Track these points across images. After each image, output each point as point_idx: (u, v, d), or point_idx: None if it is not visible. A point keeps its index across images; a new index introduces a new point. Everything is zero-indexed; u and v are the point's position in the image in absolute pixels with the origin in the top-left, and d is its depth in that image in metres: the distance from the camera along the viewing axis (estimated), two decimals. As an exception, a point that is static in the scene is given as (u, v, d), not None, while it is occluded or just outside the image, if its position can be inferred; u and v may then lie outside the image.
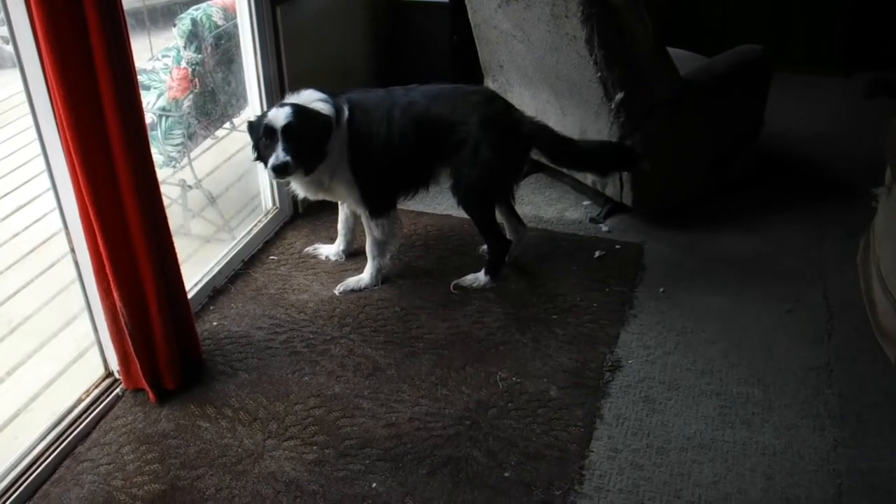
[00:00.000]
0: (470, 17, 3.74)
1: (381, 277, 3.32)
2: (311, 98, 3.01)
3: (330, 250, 3.51)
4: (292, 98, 3.02)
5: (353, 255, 3.51)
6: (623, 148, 3.29)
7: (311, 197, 3.22)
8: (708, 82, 3.61)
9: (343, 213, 3.43)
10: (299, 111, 2.90)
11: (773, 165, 4.23)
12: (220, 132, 4.18)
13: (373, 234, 3.22)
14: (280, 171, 2.87)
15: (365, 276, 3.31)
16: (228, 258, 3.45)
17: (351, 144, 3.04)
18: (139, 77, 3.93)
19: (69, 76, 2.16)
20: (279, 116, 2.86)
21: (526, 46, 3.45)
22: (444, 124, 3.05)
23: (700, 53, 3.98)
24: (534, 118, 3.18)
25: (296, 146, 2.85)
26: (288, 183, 3.18)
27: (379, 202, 3.18)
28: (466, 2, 3.69)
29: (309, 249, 3.53)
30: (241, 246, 3.55)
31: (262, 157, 2.98)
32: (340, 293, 3.27)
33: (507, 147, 3.10)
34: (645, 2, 3.20)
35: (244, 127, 3.84)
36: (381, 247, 3.25)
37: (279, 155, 2.84)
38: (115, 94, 2.25)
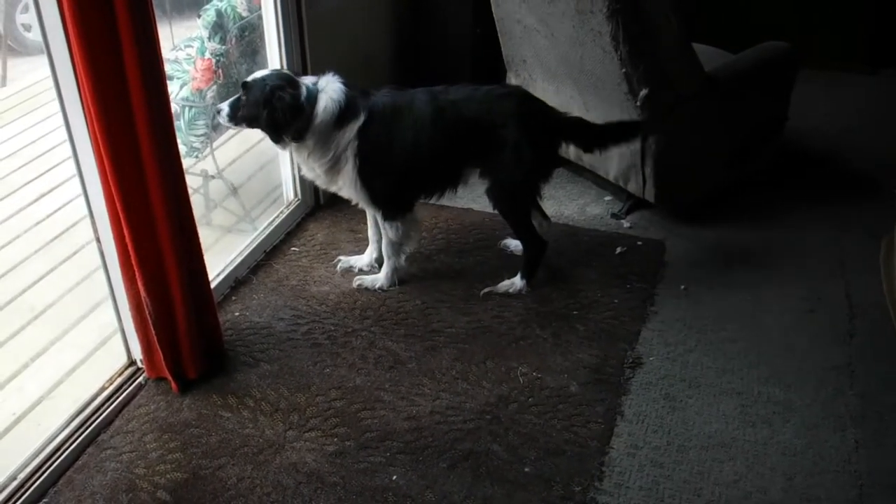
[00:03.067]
0: (493, 10, 3.73)
1: (398, 278, 3.28)
2: (329, 86, 2.97)
3: (362, 261, 3.41)
4: (312, 78, 3.03)
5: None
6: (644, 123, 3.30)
7: (323, 186, 3.21)
8: (732, 79, 3.59)
9: (371, 218, 3.34)
10: (272, 80, 2.94)
11: (797, 162, 4.20)
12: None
13: (387, 235, 3.18)
14: (216, 114, 3.09)
15: (381, 276, 3.28)
16: (251, 249, 3.47)
17: (362, 153, 2.98)
18: (163, 67, 4.04)
19: (97, 64, 2.17)
20: (254, 76, 2.98)
21: (550, 41, 3.44)
22: (481, 127, 3.00)
23: (725, 49, 3.95)
24: (567, 113, 3.17)
25: (244, 106, 2.96)
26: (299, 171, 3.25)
27: (393, 205, 3.14)
28: (490, -5, 3.68)
29: (341, 265, 3.40)
30: (263, 237, 3.57)
31: None
32: (356, 287, 3.27)
33: (547, 147, 3.11)
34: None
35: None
36: (395, 247, 3.21)
37: (223, 106, 3.02)
38: (143, 82, 2.26)
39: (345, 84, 3.00)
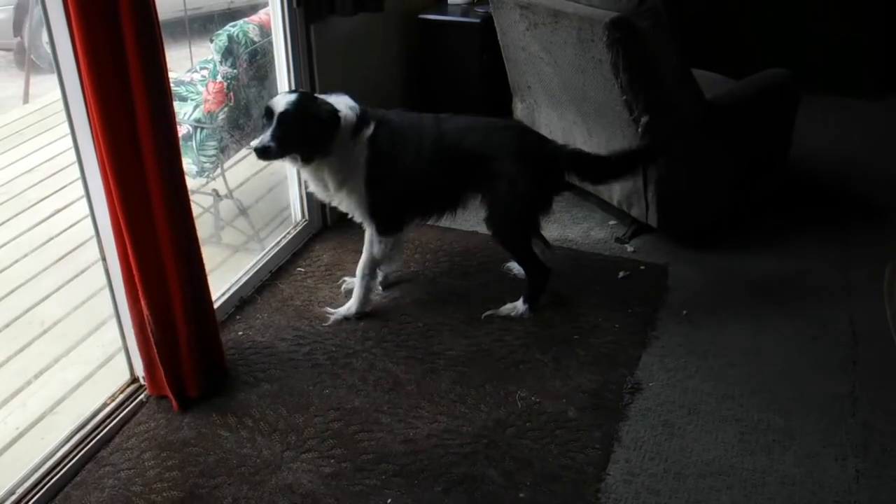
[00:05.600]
0: (499, 38, 3.78)
1: (370, 304, 3.25)
2: (340, 102, 3.00)
3: None
4: (323, 95, 3.03)
5: (389, 286, 3.46)
6: (645, 149, 3.30)
7: (325, 199, 3.22)
8: (734, 106, 3.61)
9: None
10: (304, 100, 2.91)
11: (801, 188, 4.20)
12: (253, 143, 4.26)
13: (371, 251, 3.18)
14: (260, 153, 2.88)
15: (352, 302, 3.24)
16: (256, 269, 3.51)
17: (371, 162, 3.01)
18: (177, 88, 4.11)
19: (104, 87, 2.23)
20: (281, 101, 2.89)
21: (553, 68, 3.48)
22: (478, 158, 3.03)
23: (727, 75, 3.97)
24: (566, 145, 3.20)
25: (286, 133, 2.85)
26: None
27: (389, 221, 3.16)
28: (496, 23, 3.73)
29: (346, 286, 3.39)
30: (269, 257, 3.60)
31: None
32: (330, 323, 3.20)
33: (544, 179, 3.12)
34: (671, 25, 3.22)
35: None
36: (374, 266, 3.20)
37: (264, 138, 2.86)
38: (149, 106, 2.31)
39: (354, 100, 3.05)
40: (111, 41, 2.20)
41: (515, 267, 3.49)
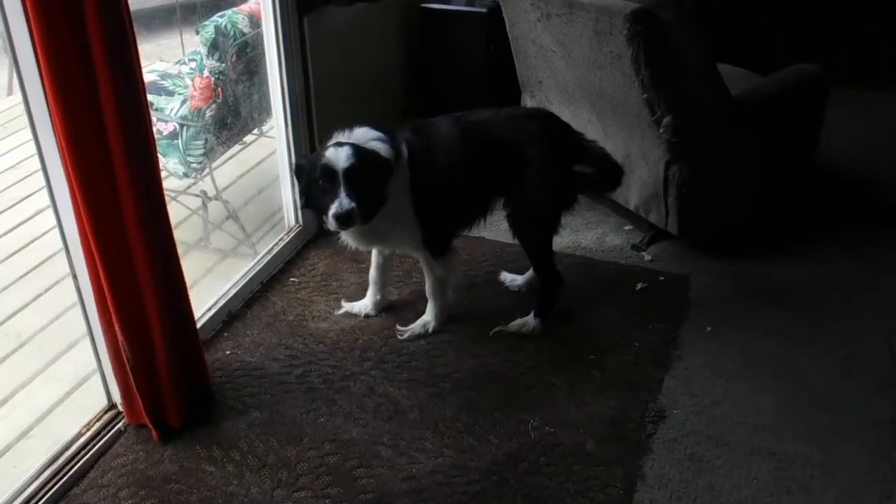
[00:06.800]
0: (508, 30, 3.53)
1: (447, 316, 3.03)
2: (365, 137, 2.68)
3: (365, 306, 3.12)
4: (344, 136, 2.70)
5: (391, 307, 3.18)
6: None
7: (364, 248, 2.93)
8: (761, 103, 3.37)
9: (377, 260, 3.09)
10: (360, 152, 2.57)
11: (829, 190, 3.95)
12: (246, 138, 4.02)
13: (434, 275, 2.94)
14: (345, 220, 2.52)
15: (429, 317, 3.01)
16: (246, 280, 3.26)
17: (413, 185, 2.74)
18: (162, 82, 3.85)
19: (66, 84, 1.99)
20: (340, 156, 2.53)
21: (566, 63, 3.22)
22: (506, 148, 2.81)
23: (754, 70, 3.72)
24: (594, 141, 2.99)
25: (359, 191, 2.52)
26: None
27: (442, 242, 2.91)
28: (504, 14, 3.48)
29: (343, 310, 3.13)
30: (260, 266, 3.36)
31: (315, 203, 2.65)
32: (405, 339, 2.98)
33: (573, 171, 2.92)
34: (696, 16, 2.96)
35: (272, 133, 3.68)
36: (443, 285, 2.97)
37: (343, 202, 2.49)
38: (118, 105, 2.07)
39: (376, 128, 2.73)
40: (75, 41, 1.95)
41: (509, 277, 3.28)
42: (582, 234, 3.66)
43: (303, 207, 2.76)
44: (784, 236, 3.59)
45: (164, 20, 5.36)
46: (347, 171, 2.52)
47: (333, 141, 2.67)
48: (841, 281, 3.29)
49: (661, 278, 3.32)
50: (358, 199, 2.53)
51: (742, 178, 3.39)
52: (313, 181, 2.60)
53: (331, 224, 2.59)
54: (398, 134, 2.77)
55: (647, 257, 3.47)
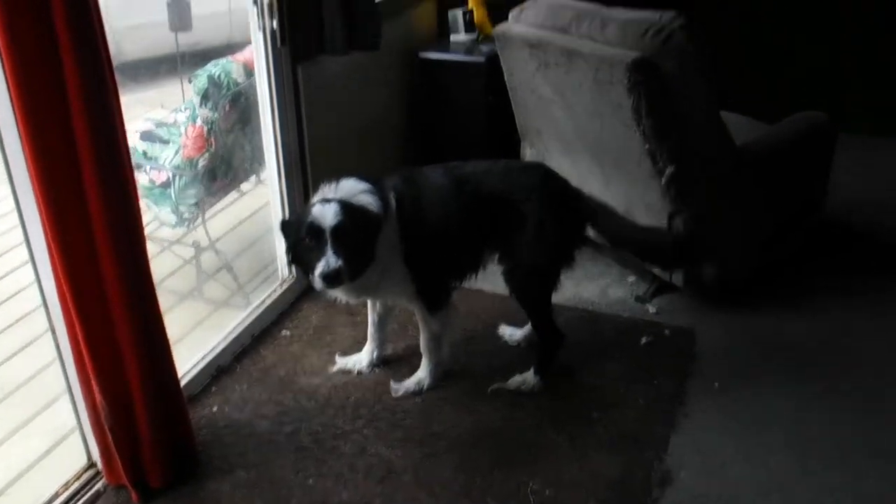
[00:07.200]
0: (506, 79, 3.48)
1: (442, 372, 2.92)
2: (353, 190, 2.59)
3: (361, 361, 3.02)
4: (330, 190, 2.60)
5: (386, 361, 3.07)
6: (685, 245, 3.03)
7: (354, 301, 2.83)
8: (767, 153, 3.30)
9: (375, 313, 2.99)
10: (348, 208, 2.48)
11: (838, 238, 3.86)
12: (245, 186, 3.96)
13: (429, 329, 2.84)
14: (332, 280, 2.42)
15: (423, 374, 2.90)
16: (237, 333, 3.16)
17: (403, 236, 2.65)
18: (158, 130, 3.81)
19: (44, 147, 1.91)
20: (327, 214, 2.44)
21: (566, 113, 3.17)
22: (501, 202, 2.72)
23: (759, 118, 3.67)
24: (592, 196, 2.90)
25: (347, 249, 2.43)
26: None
27: (437, 294, 2.80)
28: (502, 63, 3.43)
29: (338, 366, 3.02)
30: (251, 319, 3.25)
31: (302, 261, 2.55)
32: (399, 397, 2.86)
33: (572, 227, 2.83)
34: (699, 65, 2.91)
35: (267, 181, 3.60)
36: (437, 341, 2.86)
37: (330, 260, 2.40)
38: (98, 167, 1.99)
39: (363, 179, 2.65)
40: (52, 94, 1.88)
41: (508, 331, 3.18)
42: (584, 285, 3.56)
43: (289, 264, 2.64)
44: (792, 287, 3.49)
45: (169, 67, 5.38)
46: (335, 229, 2.43)
47: (320, 195, 2.59)
48: (852, 333, 3.18)
49: (666, 332, 3.20)
50: (346, 256, 2.43)
51: (747, 230, 3.30)
52: (300, 239, 2.50)
53: (317, 283, 2.47)
54: (387, 183, 2.68)
55: (652, 310, 3.37)
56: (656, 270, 3.31)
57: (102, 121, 1.96)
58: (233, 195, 3.98)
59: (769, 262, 3.51)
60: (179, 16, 5.26)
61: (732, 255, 3.31)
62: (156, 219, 3.71)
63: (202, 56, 4.84)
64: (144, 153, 3.68)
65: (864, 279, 3.54)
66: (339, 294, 2.71)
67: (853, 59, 4.96)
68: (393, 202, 2.64)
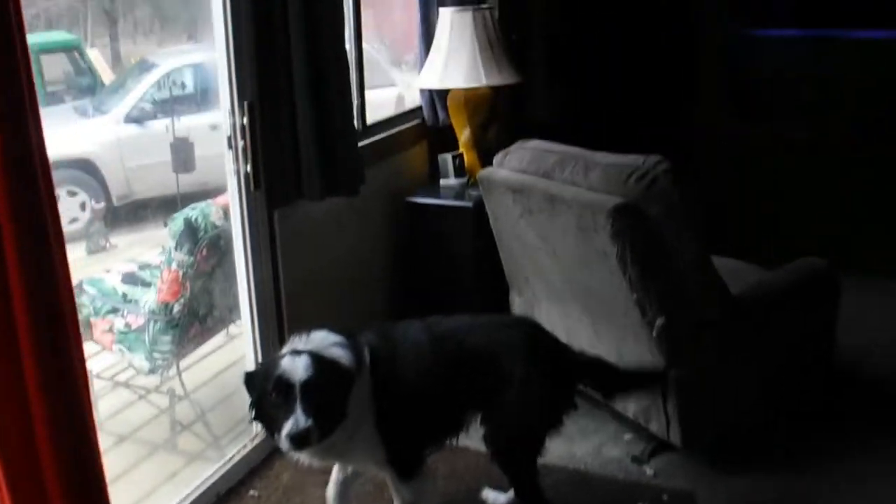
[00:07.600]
0: (491, 224, 3.39)
1: None
2: (324, 342, 2.41)
3: None
4: (301, 341, 2.42)
5: None
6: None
7: (318, 464, 2.57)
8: (764, 302, 3.15)
9: (339, 475, 2.75)
10: (320, 361, 2.30)
11: (849, 390, 3.63)
12: (215, 340, 3.82)
13: (401, 498, 2.59)
14: (300, 441, 2.21)
15: None
16: (200, 492, 2.93)
17: (376, 396, 2.45)
18: (140, 272, 3.73)
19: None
20: (297, 367, 2.25)
21: (553, 260, 3.05)
22: (484, 361, 2.55)
23: (756, 262, 3.53)
24: (583, 352, 2.77)
25: (318, 407, 2.23)
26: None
27: (409, 461, 2.57)
28: (487, 209, 3.36)
29: None
30: (217, 476, 3.03)
31: (266, 418, 2.33)
32: None
33: (560, 388, 2.66)
34: (686, 209, 2.80)
35: (241, 336, 3.48)
36: None
37: (299, 419, 2.19)
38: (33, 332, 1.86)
39: (335, 332, 2.47)
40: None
41: (492, 496, 2.92)
42: (577, 443, 3.32)
43: (252, 422, 2.45)
44: (800, 444, 3.24)
45: (171, 208, 5.40)
46: (305, 384, 2.22)
47: (289, 346, 2.42)
48: (867, 493, 2.93)
49: (665, 497, 2.94)
50: (315, 415, 2.22)
51: (747, 385, 3.10)
52: (266, 393, 2.29)
53: (283, 444, 2.25)
54: (361, 338, 2.51)
55: (649, 472, 3.11)
56: (653, 429, 3.08)
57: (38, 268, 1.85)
58: (211, 345, 3.85)
59: (773, 418, 3.30)
60: (182, 157, 5.34)
61: (731, 409, 3.10)
62: (129, 366, 3.58)
63: (204, 196, 4.87)
64: (124, 296, 3.59)
65: (876, 434, 3.29)
66: (302, 457, 2.49)
67: (859, 200, 4.87)
68: (367, 358, 2.46)
